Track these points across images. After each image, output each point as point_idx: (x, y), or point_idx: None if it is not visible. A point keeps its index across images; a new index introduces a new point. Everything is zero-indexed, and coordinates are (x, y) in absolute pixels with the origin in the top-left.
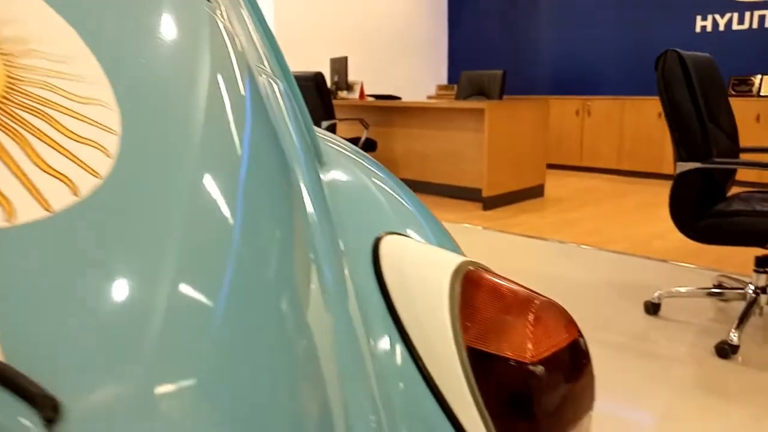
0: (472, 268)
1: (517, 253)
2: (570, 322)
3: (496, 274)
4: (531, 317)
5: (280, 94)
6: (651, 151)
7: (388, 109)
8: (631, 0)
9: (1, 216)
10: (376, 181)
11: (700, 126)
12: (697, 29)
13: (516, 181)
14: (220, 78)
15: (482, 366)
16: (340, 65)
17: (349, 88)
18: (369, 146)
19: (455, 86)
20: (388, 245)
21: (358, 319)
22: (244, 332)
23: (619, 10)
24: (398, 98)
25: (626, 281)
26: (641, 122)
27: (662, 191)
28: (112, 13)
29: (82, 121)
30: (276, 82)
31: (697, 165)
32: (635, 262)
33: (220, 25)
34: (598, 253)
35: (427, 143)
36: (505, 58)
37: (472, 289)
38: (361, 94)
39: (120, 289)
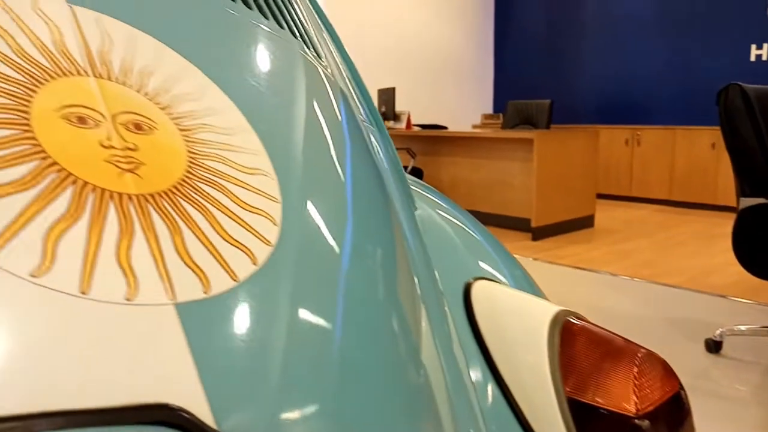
0: (569, 318)
1: (568, 286)
2: (671, 374)
3: (593, 324)
4: (634, 370)
5: (375, 138)
6: (704, 181)
7: (434, 138)
8: (682, 27)
9: (200, 288)
10: (450, 218)
11: (765, 160)
12: (752, 58)
13: (565, 211)
14: (338, 130)
15: (584, 418)
16: (387, 96)
17: (396, 118)
18: (415, 175)
19: (501, 115)
20: (479, 291)
21: (462, 361)
22: (365, 364)
23: (669, 38)
24: (444, 128)
25: (684, 317)
26: (694, 152)
27: (717, 222)
28: (255, 82)
29: (250, 191)
30: (371, 125)
31: (762, 201)
32: (692, 297)
33: (326, 78)
34: (652, 286)
35: (475, 172)
36: (552, 87)
37: (571, 340)
38: (408, 124)
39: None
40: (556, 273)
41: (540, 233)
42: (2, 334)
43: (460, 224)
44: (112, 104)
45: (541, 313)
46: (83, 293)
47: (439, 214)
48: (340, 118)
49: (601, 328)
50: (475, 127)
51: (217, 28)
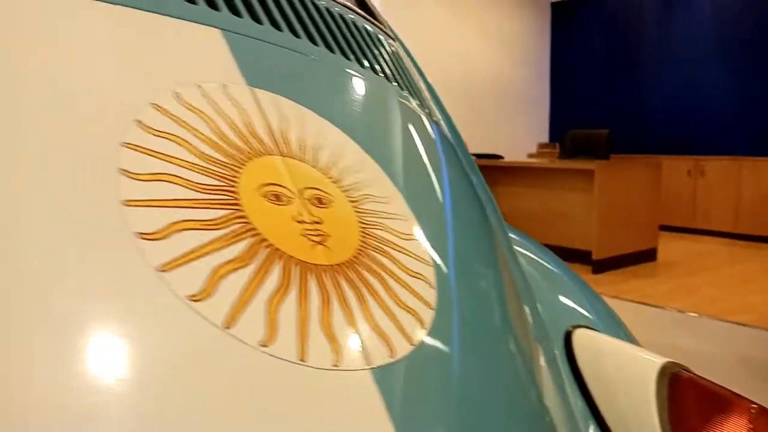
0: (676, 370)
1: (632, 322)
2: None
3: (699, 376)
4: (749, 426)
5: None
6: None
7: (491, 168)
8: (747, 53)
9: (387, 353)
10: (534, 256)
11: None
12: None
13: (627, 243)
14: (459, 187)
15: None
16: None
17: None
18: None
19: (557, 145)
20: (580, 339)
21: (576, 405)
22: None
23: (734, 64)
24: (500, 157)
25: (756, 357)
26: (761, 184)
27: None
28: (395, 148)
29: (410, 257)
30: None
31: None
32: (763, 336)
33: (443, 137)
34: (721, 324)
35: (532, 203)
36: (610, 116)
37: (679, 393)
38: None
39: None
40: (620, 309)
41: (601, 266)
42: (241, 399)
43: (543, 262)
44: (297, 180)
45: (646, 364)
46: (302, 361)
47: (524, 252)
48: (458, 175)
49: (707, 380)
50: (530, 156)
51: (359, 97)
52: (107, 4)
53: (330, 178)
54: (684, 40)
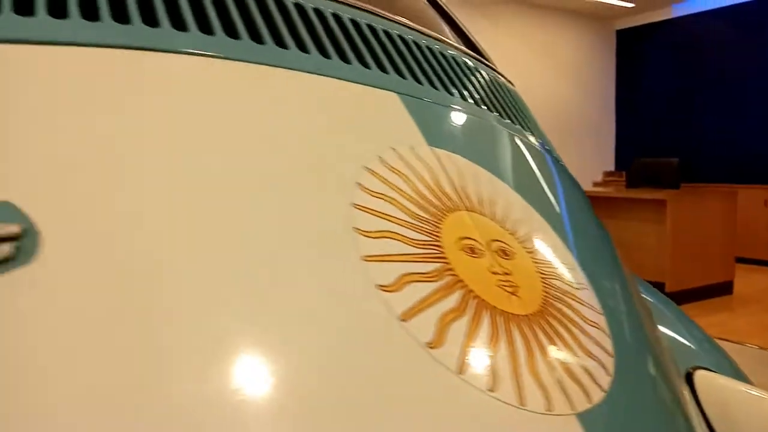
0: None
1: None
2: None
3: None
4: None
5: None
6: None
7: None
8: None
9: (584, 398)
10: (644, 294)
11: None
12: None
13: (702, 276)
14: (596, 229)
15: None
16: None
17: None
18: None
19: (623, 173)
20: (702, 381)
21: None
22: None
23: None
24: None
25: None
26: None
27: None
28: (547, 196)
29: (584, 305)
30: None
31: None
32: None
33: (572, 180)
34: None
35: None
36: (678, 144)
37: None
38: None
39: None
40: None
41: (675, 299)
42: None
43: (648, 296)
44: (483, 233)
45: None
46: (522, 405)
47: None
48: (594, 219)
49: None
50: (596, 184)
51: (510, 149)
52: (296, 71)
53: (507, 230)
54: (758, 66)
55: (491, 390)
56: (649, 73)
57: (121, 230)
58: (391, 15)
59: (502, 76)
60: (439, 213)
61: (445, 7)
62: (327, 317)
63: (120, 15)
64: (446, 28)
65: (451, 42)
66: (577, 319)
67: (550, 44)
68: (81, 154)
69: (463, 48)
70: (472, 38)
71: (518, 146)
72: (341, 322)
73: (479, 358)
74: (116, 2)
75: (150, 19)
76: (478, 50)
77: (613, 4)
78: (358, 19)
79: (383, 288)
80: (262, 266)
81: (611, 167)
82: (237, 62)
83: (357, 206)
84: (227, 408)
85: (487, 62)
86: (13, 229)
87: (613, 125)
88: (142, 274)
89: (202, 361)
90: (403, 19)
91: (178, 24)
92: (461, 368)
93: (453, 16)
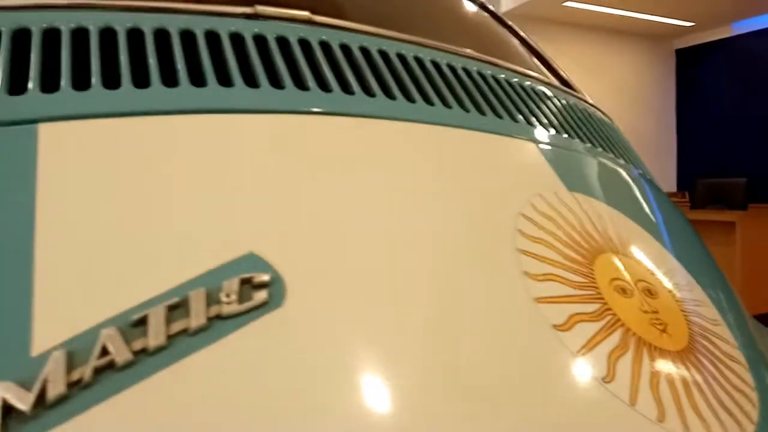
0: None
1: None
2: None
3: None
4: None
5: None
6: None
7: None
8: None
9: (739, 431)
10: None
11: None
12: None
13: None
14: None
15: None
16: None
17: None
18: None
19: (686, 194)
20: None
21: None
22: None
23: None
24: None
25: None
26: None
27: None
28: (665, 232)
29: (723, 341)
30: None
31: None
32: None
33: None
34: None
35: None
36: (743, 164)
37: None
38: None
39: None
40: None
41: None
42: None
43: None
44: (630, 274)
45: None
46: None
47: None
48: (705, 249)
49: None
50: None
51: (629, 188)
52: (439, 126)
53: (648, 269)
54: None
55: (660, 421)
56: (710, 91)
57: (346, 278)
58: (497, 60)
59: (600, 111)
60: (589, 255)
61: (532, 43)
62: (516, 355)
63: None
64: (544, 69)
65: (554, 84)
66: (719, 354)
67: (606, 65)
68: (303, 210)
69: (566, 89)
70: (562, 73)
71: (635, 184)
72: (529, 359)
73: (646, 392)
74: (296, 75)
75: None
76: (572, 86)
77: (672, 24)
78: (474, 68)
79: (557, 327)
80: (451, 313)
81: (673, 188)
82: (393, 121)
83: (521, 251)
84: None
85: (587, 101)
86: (265, 277)
87: (674, 145)
88: (368, 309)
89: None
90: (511, 65)
91: (323, 86)
92: (632, 401)
93: (541, 52)
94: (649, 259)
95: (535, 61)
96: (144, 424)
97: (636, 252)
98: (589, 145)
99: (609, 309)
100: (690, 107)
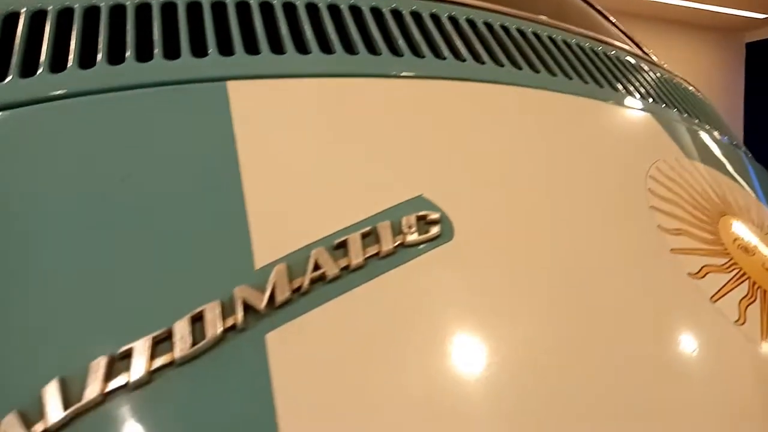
0: None
1: None
2: None
3: None
4: None
5: None
6: None
7: None
8: None
9: None
10: None
11: None
12: None
13: None
14: None
15: None
16: None
17: None
18: None
19: None
20: None
21: None
22: None
23: None
24: None
25: None
26: None
27: None
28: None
29: None
30: None
31: None
32: None
33: None
34: None
35: None
36: None
37: None
38: None
39: None
40: None
41: None
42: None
43: None
44: (749, 236)
45: None
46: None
47: None
48: None
49: None
50: None
51: (736, 160)
52: (563, 94)
53: (765, 233)
54: None
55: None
56: None
57: (507, 224)
58: (596, 35)
59: (693, 86)
60: (713, 216)
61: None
62: (659, 295)
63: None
64: (635, 46)
65: (651, 59)
66: None
67: (670, 59)
68: (464, 162)
69: (660, 64)
70: (648, 50)
71: (741, 157)
72: (668, 303)
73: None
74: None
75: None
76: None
77: (743, 15)
78: (583, 43)
79: (691, 275)
80: (604, 257)
81: None
82: (519, 87)
83: (653, 208)
84: None
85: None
86: (436, 215)
87: (742, 140)
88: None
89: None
90: (596, 34)
91: (455, 55)
92: (761, 339)
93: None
94: (765, 226)
95: (623, 36)
96: (349, 327)
97: (755, 218)
98: (688, 116)
99: (735, 263)
100: (760, 104)
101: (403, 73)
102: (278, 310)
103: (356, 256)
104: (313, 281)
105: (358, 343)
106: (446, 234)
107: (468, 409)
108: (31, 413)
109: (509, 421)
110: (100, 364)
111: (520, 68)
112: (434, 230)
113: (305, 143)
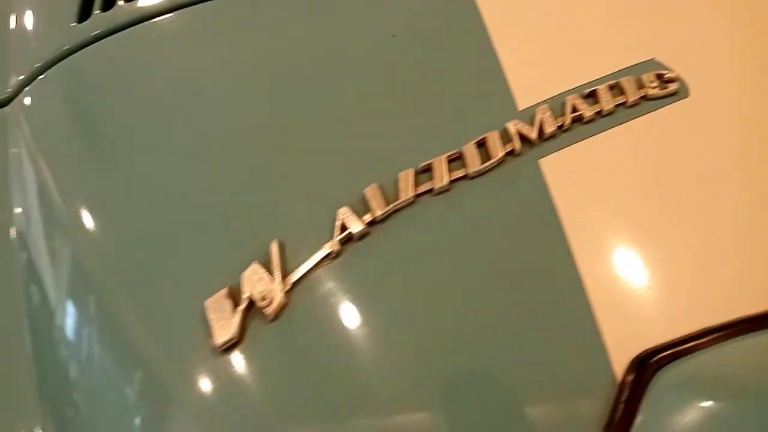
0: None
1: None
2: None
3: None
4: None
5: None
6: None
7: None
8: None
9: None
10: None
11: None
12: None
13: None
14: None
15: None
16: None
17: None
18: None
19: None
20: None
21: None
22: None
23: None
24: None
25: None
26: None
27: None
28: None
29: None
30: None
31: None
32: None
33: None
34: None
35: None
36: None
37: None
38: None
39: None
40: None
41: None
42: None
43: None
44: None
45: None
46: None
47: None
48: None
49: None
50: None
51: None
52: None
53: None
54: None
55: None
56: None
57: (735, 83)
58: None
59: None
60: None
61: None
62: None
63: None
64: None
65: None
66: None
67: None
68: (686, 30)
69: None
70: None
71: None
72: None
73: None
74: None
75: None
76: None
77: None
78: None
79: None
80: None
81: None
82: None
83: None
84: None
85: None
86: (673, 74)
87: None
88: None
89: None
90: None
91: None
92: None
93: None
94: None
95: None
96: (606, 162)
97: None
98: None
99: None
100: None
101: None
102: (546, 141)
103: (607, 104)
104: (574, 120)
105: (617, 175)
106: (682, 92)
107: None
108: (358, 208)
109: None
110: (408, 174)
111: None
112: (672, 86)
113: (545, 5)
